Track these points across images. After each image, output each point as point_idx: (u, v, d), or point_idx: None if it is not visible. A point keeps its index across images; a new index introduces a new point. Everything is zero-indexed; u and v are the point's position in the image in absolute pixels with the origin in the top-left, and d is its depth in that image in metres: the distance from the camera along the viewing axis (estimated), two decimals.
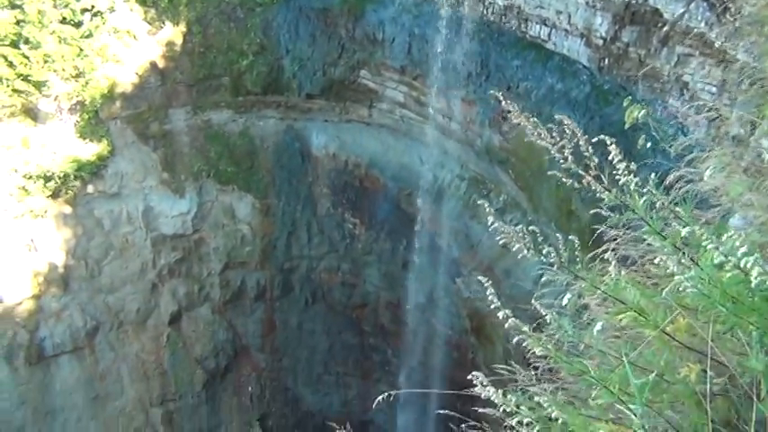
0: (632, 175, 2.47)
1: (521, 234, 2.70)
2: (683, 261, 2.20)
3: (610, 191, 2.54)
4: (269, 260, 28.47)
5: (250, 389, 29.90)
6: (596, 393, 2.22)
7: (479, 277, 2.76)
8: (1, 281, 23.17)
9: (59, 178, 23.26)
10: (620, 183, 2.50)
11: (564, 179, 2.81)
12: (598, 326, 2.58)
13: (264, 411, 30.09)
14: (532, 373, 2.87)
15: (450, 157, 23.83)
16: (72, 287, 24.93)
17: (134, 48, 24.09)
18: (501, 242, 2.77)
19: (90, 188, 24.39)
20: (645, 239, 2.95)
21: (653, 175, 2.56)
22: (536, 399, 2.22)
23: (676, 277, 2.11)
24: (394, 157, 25.84)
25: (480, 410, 2.66)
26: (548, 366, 3.31)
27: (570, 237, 2.72)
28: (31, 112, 23.13)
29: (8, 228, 22.94)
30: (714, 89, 12.98)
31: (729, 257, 2.02)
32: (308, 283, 29.36)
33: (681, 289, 2.13)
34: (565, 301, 2.74)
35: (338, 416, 31.41)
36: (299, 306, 29.80)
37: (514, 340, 2.48)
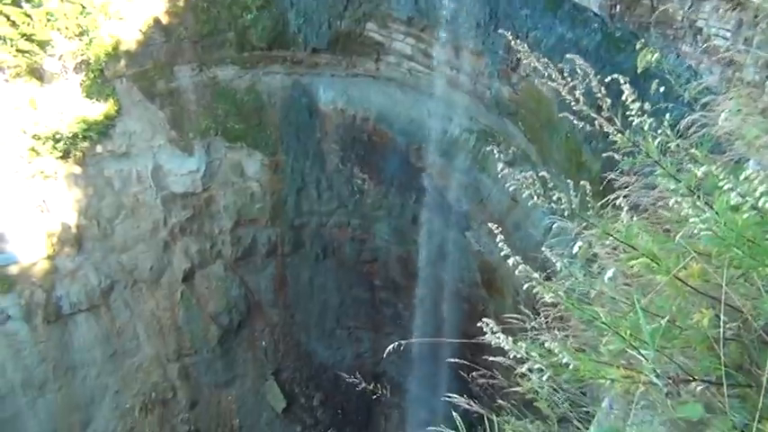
0: (645, 116, 2.40)
1: (530, 180, 2.64)
2: (697, 204, 2.15)
3: (623, 133, 2.47)
4: (279, 217, 28.57)
5: (264, 344, 30.37)
6: (607, 339, 2.21)
7: (489, 224, 2.72)
8: (16, 242, 23.43)
9: (68, 139, 23.25)
10: (634, 124, 2.42)
11: (576, 122, 2.73)
12: (609, 273, 2.55)
13: (279, 365, 30.63)
14: (542, 319, 2.85)
15: (458, 110, 23.58)
16: (85, 247, 25.18)
17: (137, 4, 23.75)
18: (510, 189, 2.72)
19: (99, 148, 24.40)
20: (656, 186, 2.90)
21: (667, 116, 2.48)
22: (546, 345, 2.20)
23: (690, 220, 2.07)
24: (402, 110, 25.60)
25: (491, 359, 2.66)
26: (558, 315, 3.30)
27: (582, 182, 2.66)
28: (37, 72, 22.99)
29: (20, 189, 23.07)
30: (728, 34, 12.64)
31: (746, 198, 1.97)
32: (319, 239, 29.51)
33: (695, 232, 2.09)
34: (575, 250, 2.70)
35: (350, 369, 31.94)
36: (309, 262, 30.02)
37: (524, 287, 2.45)
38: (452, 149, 23.96)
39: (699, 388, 2.09)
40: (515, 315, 2.79)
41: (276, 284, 30.15)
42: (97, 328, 25.98)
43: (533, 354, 2.20)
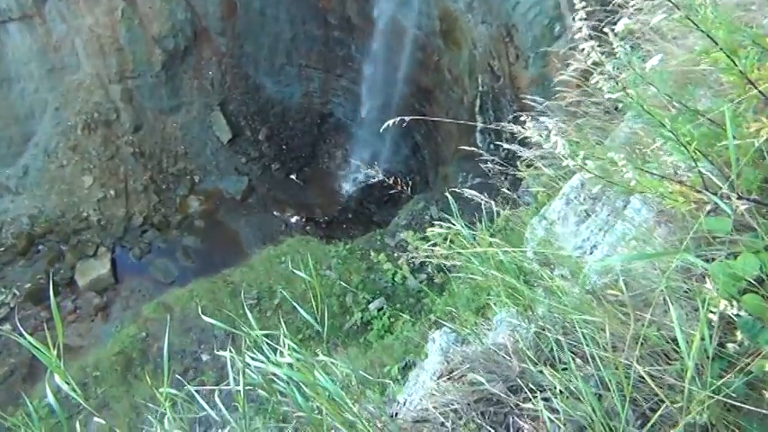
0: None
1: None
2: None
3: None
4: None
5: (210, 73, 29.42)
6: (658, 146, 1.97)
7: None
8: None
9: None
10: None
11: None
12: (655, 59, 2.19)
13: (225, 97, 30.07)
14: (553, 102, 2.56)
15: None
16: None
17: None
18: None
19: None
20: None
21: None
22: (612, 157, 1.93)
23: None
24: None
25: (506, 146, 2.40)
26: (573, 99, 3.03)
27: None
28: None
29: None
30: None
31: None
32: None
33: None
34: (619, 27, 2.28)
35: (298, 107, 31.74)
36: None
37: (594, 80, 2.09)
38: None
39: (743, 207, 1.93)
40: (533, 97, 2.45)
41: (225, 11, 28.33)
42: (31, 40, 24.36)
43: (589, 162, 1.94)
